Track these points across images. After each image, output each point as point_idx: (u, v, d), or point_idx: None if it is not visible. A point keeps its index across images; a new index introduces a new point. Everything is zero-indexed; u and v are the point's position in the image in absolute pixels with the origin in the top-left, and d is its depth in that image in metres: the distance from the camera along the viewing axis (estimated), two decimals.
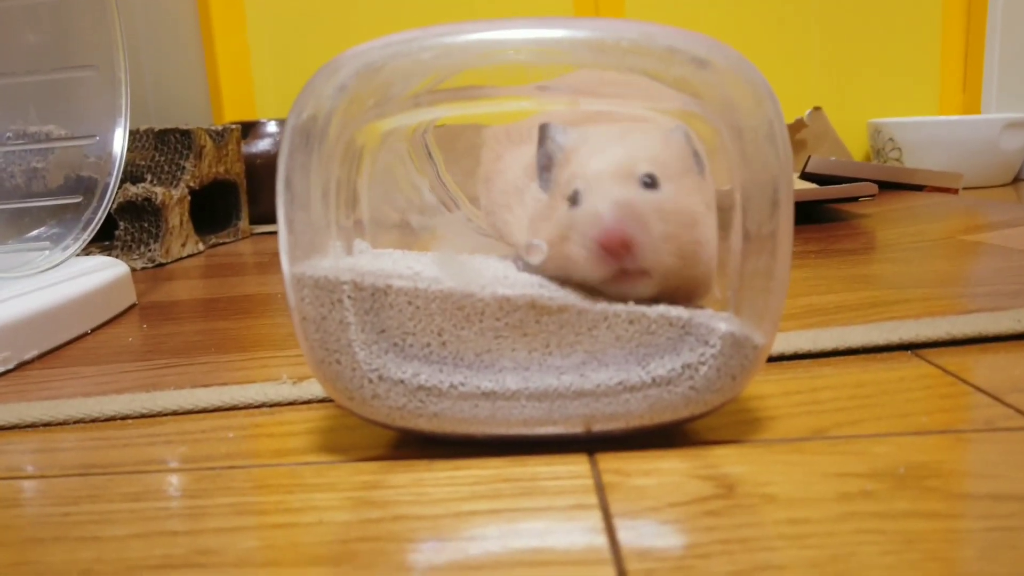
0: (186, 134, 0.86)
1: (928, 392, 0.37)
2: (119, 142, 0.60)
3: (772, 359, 0.41)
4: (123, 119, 0.60)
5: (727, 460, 0.31)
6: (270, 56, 1.35)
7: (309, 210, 0.31)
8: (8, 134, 0.63)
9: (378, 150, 0.35)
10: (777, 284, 0.31)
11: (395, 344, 0.31)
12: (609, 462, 0.31)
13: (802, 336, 0.43)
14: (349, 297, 0.31)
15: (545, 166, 0.34)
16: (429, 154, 0.40)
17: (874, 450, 0.31)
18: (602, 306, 0.31)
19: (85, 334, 0.54)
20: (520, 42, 0.30)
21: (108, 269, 0.59)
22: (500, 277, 0.32)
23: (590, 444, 0.32)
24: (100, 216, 0.58)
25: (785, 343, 0.42)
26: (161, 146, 0.86)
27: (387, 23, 1.29)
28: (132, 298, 0.63)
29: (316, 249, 0.31)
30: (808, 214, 0.92)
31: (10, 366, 0.47)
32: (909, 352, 0.42)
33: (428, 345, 0.32)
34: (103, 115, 0.61)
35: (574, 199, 0.31)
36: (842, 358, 0.42)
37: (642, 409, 0.31)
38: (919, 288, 0.56)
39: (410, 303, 0.31)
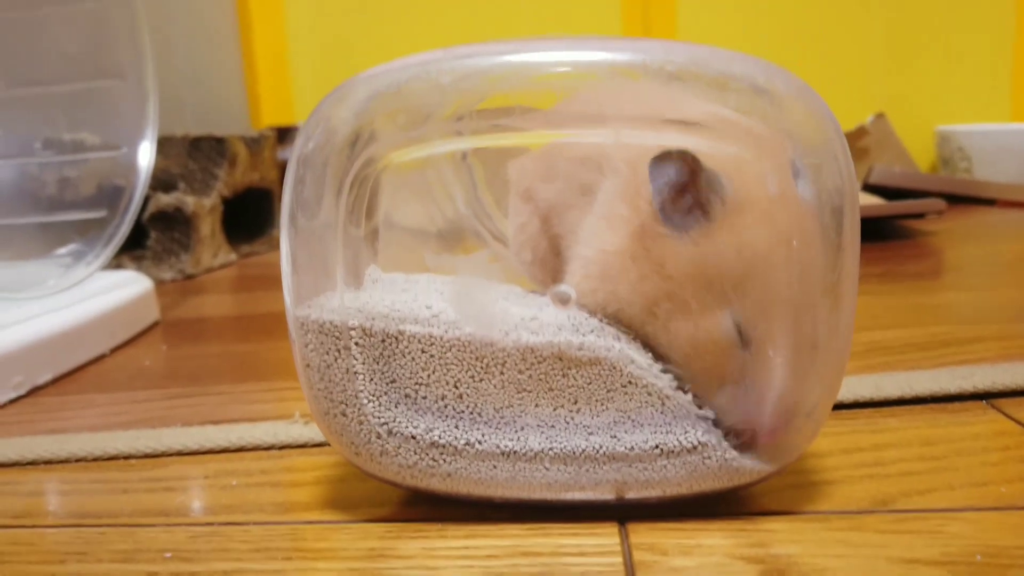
0: (220, 141, 0.85)
1: (1006, 454, 0.33)
2: (145, 155, 0.58)
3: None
4: (150, 131, 0.59)
5: (777, 537, 0.27)
6: (310, 59, 1.34)
7: (317, 246, 0.28)
8: (37, 144, 0.61)
9: (405, 176, 0.32)
10: (840, 340, 0.27)
11: (407, 396, 0.29)
12: (642, 535, 0.28)
13: (864, 381, 0.39)
14: (357, 344, 0.28)
15: (688, 207, 0.27)
16: (471, 177, 0.36)
17: (947, 529, 0.27)
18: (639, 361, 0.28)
19: (103, 355, 0.53)
20: (554, 64, 0.27)
21: (130, 285, 0.57)
22: (527, 319, 0.29)
23: (621, 511, 0.29)
24: (123, 232, 0.56)
25: (846, 389, 0.38)
26: (194, 153, 0.84)
27: (430, 28, 1.26)
28: (155, 315, 0.61)
29: (323, 287, 0.28)
30: (870, 230, 0.87)
31: (22, 391, 0.45)
32: (984, 402, 0.38)
33: (443, 398, 0.29)
34: (132, 126, 0.59)
35: (746, 341, 0.27)
36: (908, 407, 0.38)
37: (680, 476, 0.28)
38: (994, 323, 0.51)
39: (424, 351, 0.28)
